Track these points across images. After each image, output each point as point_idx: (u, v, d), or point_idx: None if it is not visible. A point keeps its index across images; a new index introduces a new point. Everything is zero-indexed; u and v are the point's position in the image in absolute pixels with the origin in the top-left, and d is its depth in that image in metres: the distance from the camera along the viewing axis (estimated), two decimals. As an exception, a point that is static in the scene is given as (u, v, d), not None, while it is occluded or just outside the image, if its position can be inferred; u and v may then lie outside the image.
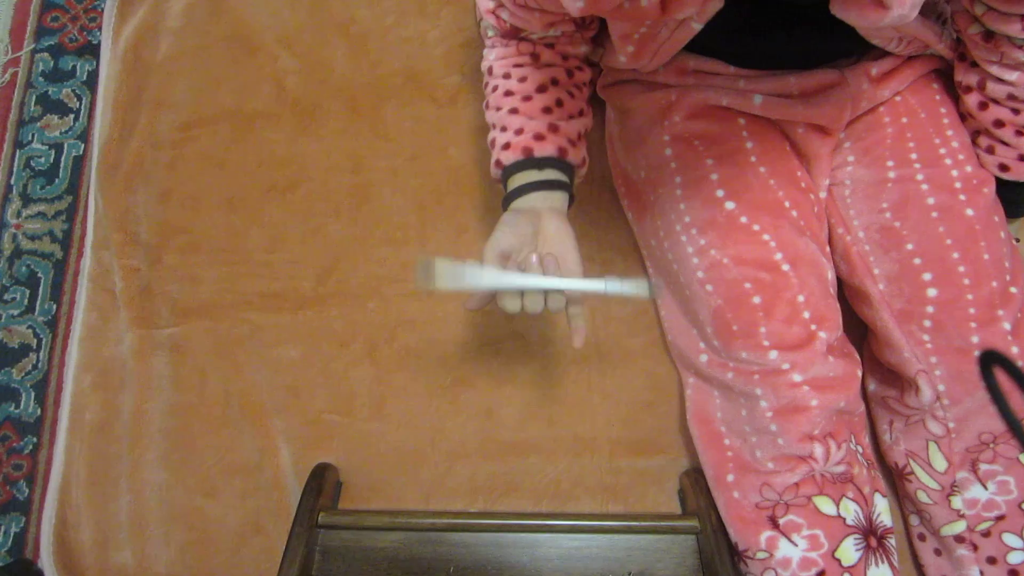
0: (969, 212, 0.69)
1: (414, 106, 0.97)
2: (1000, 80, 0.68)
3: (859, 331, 0.80)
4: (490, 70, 0.72)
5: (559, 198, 0.68)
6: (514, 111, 0.69)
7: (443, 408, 0.86)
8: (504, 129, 0.69)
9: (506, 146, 0.68)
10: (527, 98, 0.69)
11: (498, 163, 0.69)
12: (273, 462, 0.84)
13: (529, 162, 0.67)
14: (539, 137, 0.67)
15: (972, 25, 0.66)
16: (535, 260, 0.62)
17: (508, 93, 0.70)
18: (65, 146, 1.00)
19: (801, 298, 0.67)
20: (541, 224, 0.65)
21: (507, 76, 0.71)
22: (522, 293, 0.62)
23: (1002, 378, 0.37)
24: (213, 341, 0.88)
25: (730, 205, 0.70)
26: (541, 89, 0.70)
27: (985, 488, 0.69)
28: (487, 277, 0.61)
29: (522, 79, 0.70)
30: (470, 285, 0.61)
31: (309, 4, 1.02)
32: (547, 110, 0.69)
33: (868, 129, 0.76)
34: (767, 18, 0.65)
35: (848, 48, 0.72)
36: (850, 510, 0.66)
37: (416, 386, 0.86)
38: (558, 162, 0.68)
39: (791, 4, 0.60)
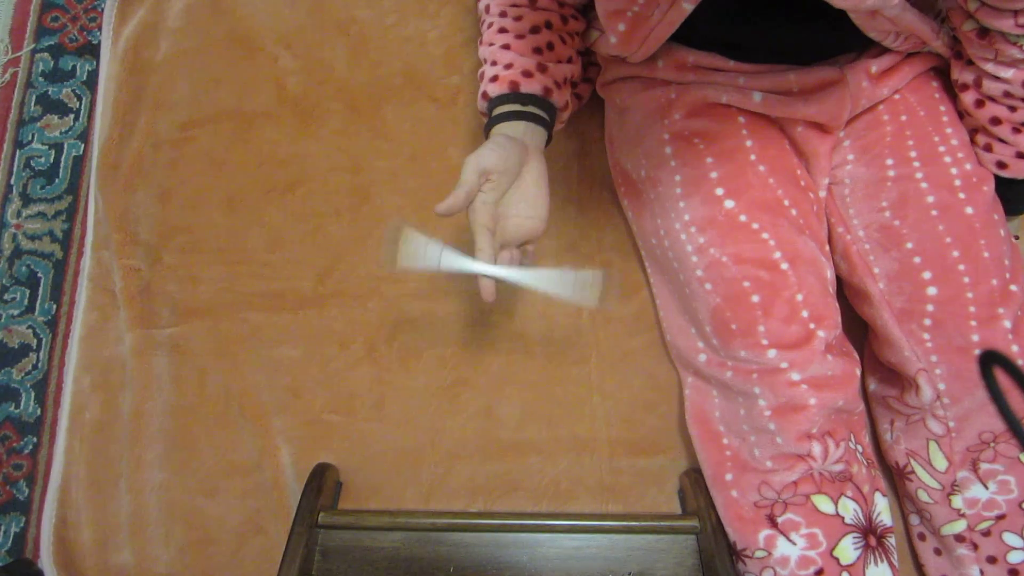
0: (968, 210, 0.69)
1: (414, 106, 0.97)
2: (996, 78, 0.68)
3: (859, 330, 0.80)
4: (487, 8, 0.74)
5: (540, 134, 0.68)
6: (506, 47, 0.71)
7: (443, 408, 0.86)
8: (494, 63, 0.71)
9: (494, 79, 0.70)
10: (520, 36, 0.71)
11: (484, 95, 0.71)
12: (273, 462, 0.84)
13: (514, 96, 0.69)
14: (527, 74, 0.69)
15: (966, 22, 0.66)
16: (506, 256, 0.63)
17: (502, 30, 0.72)
18: (65, 146, 1.00)
19: (800, 297, 0.67)
20: (528, 161, 0.65)
21: (503, 15, 0.72)
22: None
23: (1002, 378, 0.37)
24: (213, 341, 0.88)
25: (729, 204, 0.70)
26: (535, 30, 0.71)
27: (986, 487, 0.69)
28: (449, 261, 0.62)
29: (517, 18, 0.71)
30: (430, 267, 0.63)
31: (309, 4, 1.02)
32: (538, 50, 0.71)
33: (867, 127, 0.76)
34: (760, 3, 0.65)
35: (846, 42, 0.72)
36: (849, 509, 0.66)
37: (416, 386, 0.86)
38: (542, 101, 0.69)
39: None
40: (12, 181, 0.98)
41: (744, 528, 0.69)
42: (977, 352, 0.65)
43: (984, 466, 0.69)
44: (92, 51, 1.04)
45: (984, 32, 0.65)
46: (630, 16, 0.65)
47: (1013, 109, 0.69)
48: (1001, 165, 0.72)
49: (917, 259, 0.70)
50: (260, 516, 0.83)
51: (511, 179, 0.64)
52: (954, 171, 0.71)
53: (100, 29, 1.03)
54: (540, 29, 0.71)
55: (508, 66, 0.70)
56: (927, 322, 0.69)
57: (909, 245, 0.70)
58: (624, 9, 0.64)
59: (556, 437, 0.84)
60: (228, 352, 0.88)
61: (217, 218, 0.93)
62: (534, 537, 0.75)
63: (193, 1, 1.02)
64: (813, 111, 0.73)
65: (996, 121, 0.70)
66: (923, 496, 0.72)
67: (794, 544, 0.66)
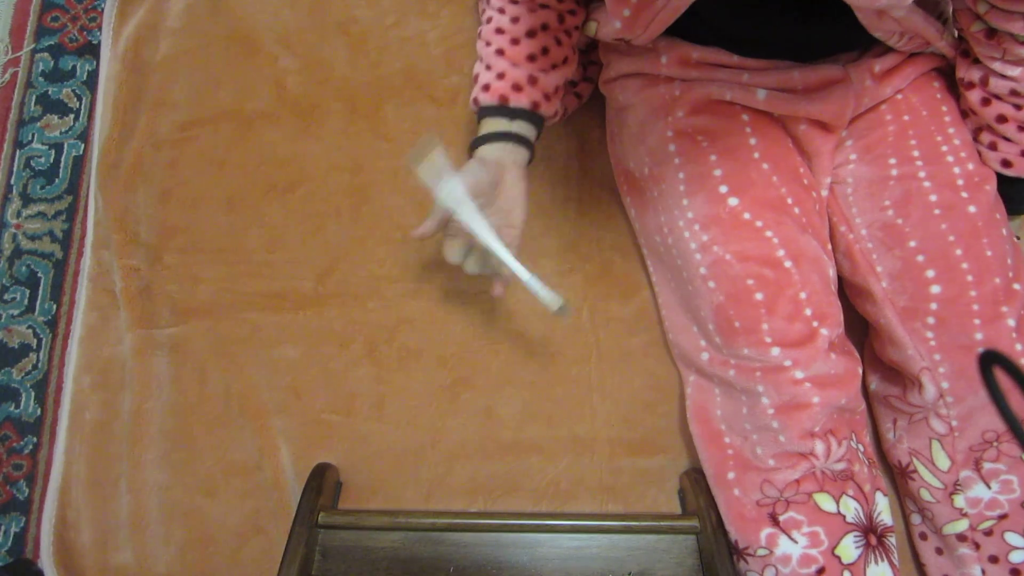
0: (971, 209, 0.69)
1: (414, 106, 0.97)
2: (1002, 76, 0.68)
3: (859, 330, 0.80)
4: None
5: (522, 153, 0.72)
6: (500, 52, 0.72)
7: (443, 408, 0.85)
8: (488, 68, 0.72)
9: (486, 87, 0.72)
10: (515, 41, 0.71)
11: (475, 100, 0.73)
12: (273, 462, 0.84)
13: (503, 109, 0.71)
14: (517, 88, 0.71)
15: (975, 23, 0.66)
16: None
17: (499, 30, 0.72)
18: (65, 146, 1.00)
19: (803, 295, 0.67)
20: (503, 175, 0.69)
21: (502, 11, 0.73)
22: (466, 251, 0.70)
23: (1003, 378, 0.36)
24: (213, 341, 0.88)
25: (733, 201, 0.70)
26: (530, 34, 0.72)
27: (988, 487, 0.68)
28: (455, 197, 0.65)
29: (514, 19, 0.72)
30: (437, 192, 0.65)
31: (309, 4, 1.02)
32: (531, 58, 0.71)
33: (870, 127, 0.76)
34: None
35: (850, 39, 0.72)
36: (850, 507, 0.66)
37: (416, 386, 0.86)
38: (529, 114, 0.72)
39: None
40: (12, 181, 0.98)
41: (746, 527, 0.69)
42: (979, 351, 0.65)
43: (987, 465, 0.68)
44: (92, 51, 1.04)
45: (992, 32, 0.65)
46: (635, 1, 0.65)
47: (1019, 107, 0.69)
48: (1006, 163, 0.72)
49: (920, 257, 0.69)
50: (260, 516, 0.82)
51: (486, 198, 0.68)
52: (957, 170, 0.71)
53: (100, 29, 1.03)
54: (536, 33, 0.72)
55: (500, 76, 0.71)
56: (931, 320, 0.68)
57: (912, 244, 0.70)
58: None
59: (556, 437, 0.84)
60: (228, 352, 0.88)
61: (217, 218, 0.93)
62: (534, 537, 0.74)
63: (193, 1, 1.02)
64: (817, 109, 0.73)
65: (1002, 119, 0.70)
66: (925, 495, 0.72)
67: (796, 542, 0.66)
